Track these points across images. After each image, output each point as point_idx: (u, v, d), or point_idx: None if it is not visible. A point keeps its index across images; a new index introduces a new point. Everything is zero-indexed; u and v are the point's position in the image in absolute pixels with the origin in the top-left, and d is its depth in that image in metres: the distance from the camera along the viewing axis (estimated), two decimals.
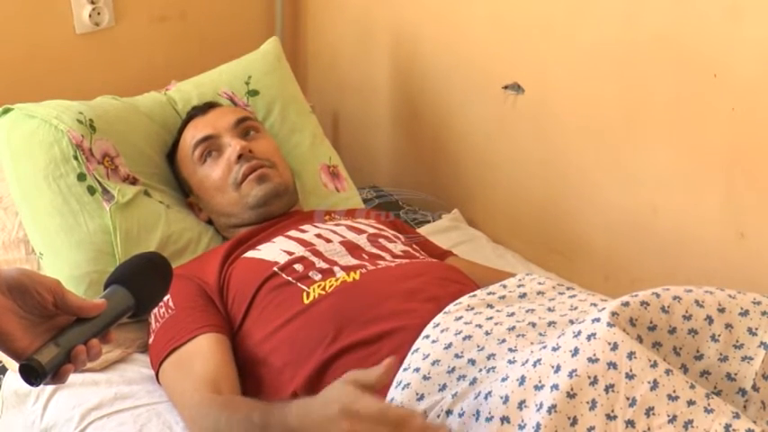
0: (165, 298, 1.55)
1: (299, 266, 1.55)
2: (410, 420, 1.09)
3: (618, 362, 1.08)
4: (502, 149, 2.14)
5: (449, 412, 1.16)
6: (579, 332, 1.13)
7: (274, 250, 1.60)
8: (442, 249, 1.83)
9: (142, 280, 1.09)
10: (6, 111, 1.80)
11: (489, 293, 1.39)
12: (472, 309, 1.34)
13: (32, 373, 0.97)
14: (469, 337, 1.27)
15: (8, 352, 0.99)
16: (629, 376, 1.07)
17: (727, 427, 1.03)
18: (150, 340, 1.56)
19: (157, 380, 1.52)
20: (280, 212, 1.77)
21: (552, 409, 1.06)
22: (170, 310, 1.54)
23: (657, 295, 1.16)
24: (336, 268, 1.53)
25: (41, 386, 1.08)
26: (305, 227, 1.69)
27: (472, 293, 1.40)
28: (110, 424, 1.47)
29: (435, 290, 1.46)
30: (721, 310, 1.15)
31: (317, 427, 1.15)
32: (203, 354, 1.47)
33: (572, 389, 1.07)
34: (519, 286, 1.42)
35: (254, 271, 1.57)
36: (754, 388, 1.11)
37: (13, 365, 1.58)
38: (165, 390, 1.50)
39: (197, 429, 1.39)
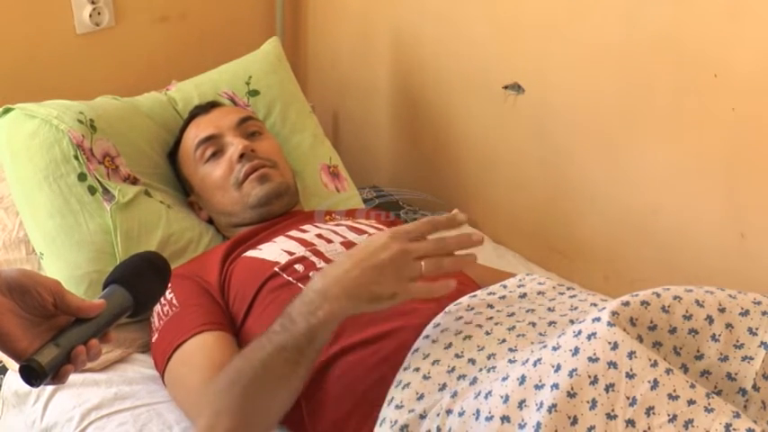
0: (169, 296, 1.55)
1: (299, 267, 1.55)
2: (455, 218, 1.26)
3: (618, 361, 1.08)
4: (502, 149, 2.14)
5: (449, 411, 1.16)
6: (579, 331, 1.13)
7: (275, 250, 1.60)
8: None
9: (141, 280, 1.09)
10: (7, 111, 1.80)
11: (490, 293, 1.39)
12: (472, 309, 1.34)
13: (32, 374, 0.97)
14: (470, 337, 1.27)
15: (8, 352, 0.99)
16: (630, 376, 1.07)
17: (728, 426, 1.03)
18: (154, 338, 1.55)
19: (162, 378, 1.51)
20: (280, 212, 1.77)
21: (552, 408, 1.06)
22: (174, 308, 1.54)
23: (658, 295, 1.16)
24: None
25: (41, 386, 1.08)
26: (306, 227, 1.69)
27: (473, 293, 1.40)
28: (110, 424, 1.47)
29: None
30: (722, 310, 1.15)
31: (364, 261, 1.23)
32: (210, 351, 1.46)
33: (572, 388, 1.07)
34: (519, 286, 1.42)
35: (254, 271, 1.57)
36: (755, 388, 1.11)
37: (13, 365, 1.58)
38: (169, 387, 1.49)
39: (207, 406, 1.31)
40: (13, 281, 0.99)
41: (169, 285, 1.18)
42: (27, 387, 1.49)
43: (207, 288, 1.59)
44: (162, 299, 1.53)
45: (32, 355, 0.97)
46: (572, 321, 1.27)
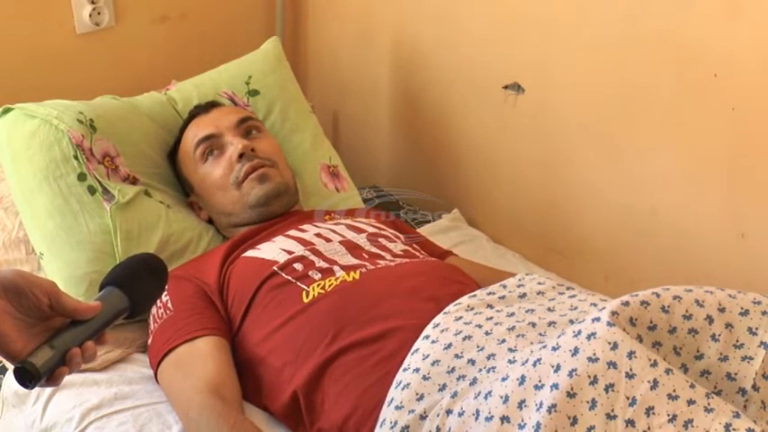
0: (164, 299, 1.55)
1: (298, 266, 1.54)
2: None
3: (618, 361, 1.08)
4: (502, 149, 2.14)
5: (449, 412, 1.16)
6: (579, 332, 1.13)
7: (274, 249, 1.60)
8: (442, 249, 1.83)
9: (137, 281, 1.09)
10: (6, 111, 1.80)
11: (489, 293, 1.39)
12: (472, 309, 1.34)
13: (27, 376, 0.97)
14: (469, 337, 1.27)
15: (3, 353, 0.99)
16: (629, 376, 1.07)
17: (728, 426, 1.03)
18: (149, 341, 1.56)
19: (156, 380, 1.52)
20: (280, 212, 1.77)
21: (552, 408, 1.06)
22: (168, 311, 1.54)
23: (657, 295, 1.16)
24: (336, 268, 1.53)
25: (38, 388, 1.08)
26: (305, 226, 1.69)
27: (472, 293, 1.40)
28: (110, 424, 1.47)
29: (435, 289, 1.46)
30: (721, 310, 1.15)
31: None
32: (203, 356, 1.47)
33: (572, 388, 1.07)
34: (519, 286, 1.42)
35: (253, 270, 1.57)
36: (755, 388, 1.11)
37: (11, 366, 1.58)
38: (162, 389, 1.50)
39: (195, 431, 1.38)
40: (8, 282, 0.99)
41: (166, 287, 1.18)
42: None
43: (204, 290, 1.59)
44: (158, 301, 1.53)
45: (27, 357, 0.97)
46: (572, 321, 1.27)
